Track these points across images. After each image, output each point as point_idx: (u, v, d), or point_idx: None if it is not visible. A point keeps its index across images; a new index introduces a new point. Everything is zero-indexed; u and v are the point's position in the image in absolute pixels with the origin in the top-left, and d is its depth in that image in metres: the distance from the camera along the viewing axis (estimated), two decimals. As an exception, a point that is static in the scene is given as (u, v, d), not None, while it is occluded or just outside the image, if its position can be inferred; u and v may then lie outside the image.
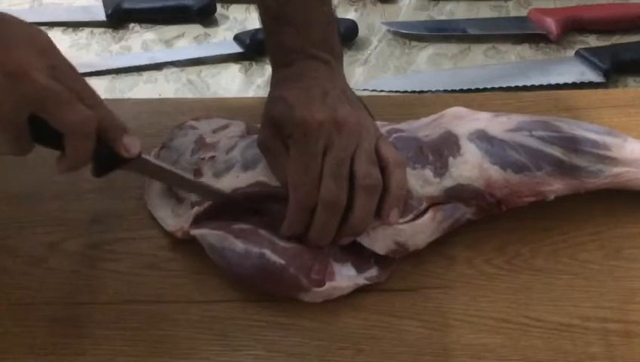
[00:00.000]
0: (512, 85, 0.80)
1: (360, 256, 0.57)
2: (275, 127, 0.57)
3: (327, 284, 0.55)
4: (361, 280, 0.56)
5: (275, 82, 0.60)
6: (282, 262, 0.55)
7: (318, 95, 0.56)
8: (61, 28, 0.92)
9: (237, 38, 0.87)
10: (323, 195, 0.54)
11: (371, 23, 0.90)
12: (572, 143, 0.58)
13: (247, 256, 0.56)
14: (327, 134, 0.54)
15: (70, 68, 0.49)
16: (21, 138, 0.48)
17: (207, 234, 0.57)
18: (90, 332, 0.56)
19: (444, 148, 0.59)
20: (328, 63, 0.59)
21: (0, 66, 0.45)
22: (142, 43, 0.90)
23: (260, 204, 0.58)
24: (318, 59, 0.59)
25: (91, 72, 0.84)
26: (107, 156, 0.51)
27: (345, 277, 0.56)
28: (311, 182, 0.54)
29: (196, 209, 0.59)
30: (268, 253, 0.55)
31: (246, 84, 0.83)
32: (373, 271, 0.57)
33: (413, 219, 0.57)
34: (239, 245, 0.56)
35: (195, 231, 0.58)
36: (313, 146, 0.54)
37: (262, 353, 0.54)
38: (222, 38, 0.90)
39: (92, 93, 0.50)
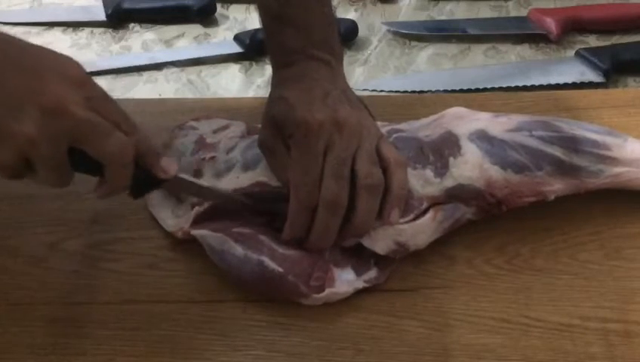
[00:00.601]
0: (512, 85, 0.80)
1: (360, 258, 0.57)
2: (275, 127, 0.57)
3: (327, 290, 0.55)
4: (360, 283, 0.56)
5: (276, 82, 0.60)
6: (281, 269, 0.55)
7: (319, 95, 0.56)
8: (61, 28, 0.92)
9: (237, 38, 0.87)
10: (324, 195, 0.54)
11: (371, 23, 0.90)
12: (572, 143, 0.58)
13: (246, 261, 0.56)
14: (327, 134, 0.54)
15: (105, 96, 0.49)
16: (61, 170, 0.48)
17: (207, 235, 0.57)
18: (90, 332, 0.56)
19: (445, 148, 0.59)
20: (329, 64, 0.59)
21: (38, 103, 0.45)
22: (142, 43, 0.90)
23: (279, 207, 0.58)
24: (319, 60, 0.59)
25: (91, 72, 0.84)
26: (144, 178, 0.52)
27: (345, 282, 0.56)
28: (312, 183, 0.54)
29: (196, 209, 0.59)
30: (267, 260, 0.55)
31: (246, 84, 0.83)
32: (372, 273, 0.57)
33: (414, 219, 0.57)
34: (239, 250, 0.56)
35: (196, 232, 0.58)
36: (314, 146, 0.54)
37: (262, 353, 0.54)
38: (222, 38, 0.90)
39: (127, 118, 0.50)
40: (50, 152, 0.46)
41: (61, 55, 0.48)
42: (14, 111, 0.44)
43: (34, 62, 0.47)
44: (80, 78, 0.47)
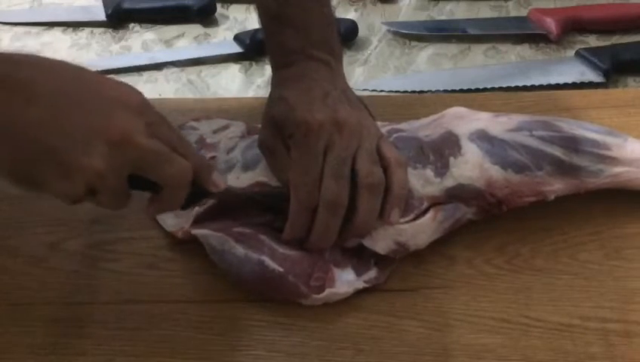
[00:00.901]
0: (512, 85, 0.80)
1: (360, 258, 0.57)
2: (275, 127, 0.57)
3: (327, 291, 0.55)
4: (360, 283, 0.56)
5: (276, 83, 0.60)
6: (281, 269, 0.55)
7: (319, 96, 0.56)
8: (61, 28, 0.92)
9: (237, 38, 0.87)
10: (324, 195, 0.54)
11: (371, 23, 0.90)
12: (572, 143, 0.58)
13: (246, 261, 0.56)
14: (327, 135, 0.54)
15: (163, 121, 0.50)
16: (121, 195, 0.49)
17: (207, 235, 0.57)
18: (90, 332, 0.56)
19: (445, 148, 0.59)
20: (328, 64, 0.59)
21: (105, 137, 0.45)
22: (142, 43, 0.90)
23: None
24: (319, 60, 0.59)
25: (91, 72, 0.85)
26: (195, 195, 0.53)
27: (345, 282, 0.56)
28: (312, 183, 0.54)
29: (196, 209, 0.59)
30: (267, 260, 0.55)
31: (246, 84, 0.83)
32: (372, 273, 0.57)
33: (414, 219, 0.57)
34: (239, 249, 0.56)
35: (196, 232, 0.58)
36: (314, 146, 0.54)
37: (262, 353, 0.54)
38: (222, 38, 0.90)
39: (184, 140, 0.51)
40: (116, 182, 0.47)
41: (121, 83, 0.49)
42: (82, 145, 0.45)
43: (97, 95, 0.47)
44: (140, 106, 0.48)
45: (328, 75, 0.59)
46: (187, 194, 0.51)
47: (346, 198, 0.54)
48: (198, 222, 0.59)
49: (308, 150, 0.54)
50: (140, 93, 0.49)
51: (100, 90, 0.47)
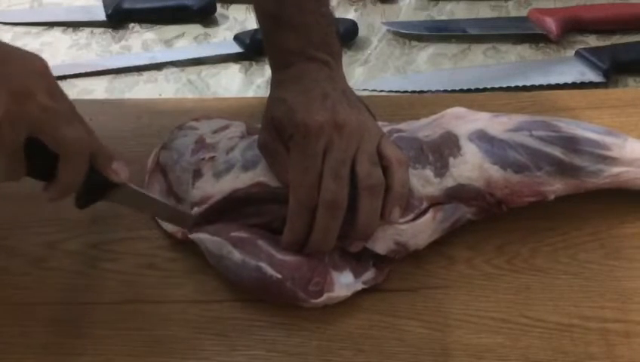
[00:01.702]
0: (512, 85, 0.80)
1: (359, 260, 0.57)
2: (275, 128, 0.57)
3: (325, 295, 0.55)
4: (358, 285, 0.56)
5: (275, 84, 0.60)
6: (279, 276, 0.55)
7: (318, 97, 0.56)
8: (61, 28, 0.92)
9: (237, 38, 0.87)
10: (323, 195, 0.54)
11: (371, 23, 0.90)
12: (572, 143, 0.58)
13: (244, 266, 0.55)
14: (327, 136, 0.54)
15: (62, 92, 0.50)
16: (16, 159, 0.48)
17: (205, 239, 0.57)
18: (90, 332, 0.56)
19: (445, 148, 0.59)
20: (328, 64, 0.59)
21: (6, 87, 0.45)
22: (142, 43, 0.90)
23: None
24: (318, 61, 0.59)
25: (91, 72, 0.84)
26: (93, 185, 0.52)
27: (344, 286, 0.56)
28: (310, 183, 0.54)
29: (196, 209, 0.59)
30: (265, 266, 0.55)
31: (246, 84, 0.83)
32: (370, 274, 0.57)
33: (414, 219, 0.57)
34: (237, 255, 0.56)
35: (194, 236, 0.58)
36: (313, 148, 0.54)
37: (262, 353, 0.54)
38: (222, 38, 0.90)
39: (82, 117, 0.51)
40: (11, 137, 0.46)
41: (26, 51, 0.50)
42: None
43: (2, 54, 0.48)
44: (44, 69, 0.49)
45: (328, 76, 0.59)
46: (84, 180, 0.50)
47: (345, 199, 0.54)
48: (197, 222, 0.59)
49: (307, 151, 0.54)
50: (43, 60, 0.49)
51: (8, 52, 0.49)
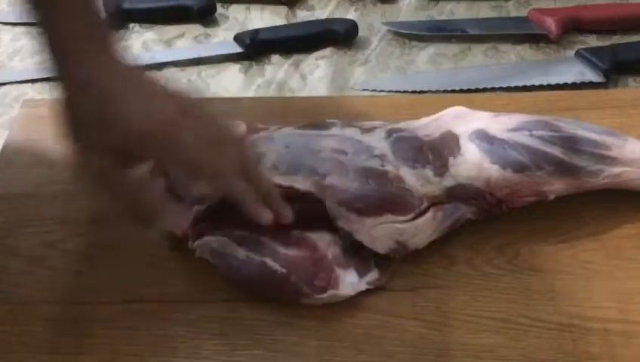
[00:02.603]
0: (512, 85, 0.80)
1: (360, 259, 0.57)
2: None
3: (329, 292, 0.55)
4: (362, 285, 0.56)
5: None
6: (284, 270, 0.55)
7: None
8: (61, 28, 0.92)
9: (237, 38, 0.87)
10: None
11: (371, 23, 0.90)
12: (572, 143, 0.58)
13: (248, 262, 0.56)
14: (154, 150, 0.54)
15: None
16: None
17: (209, 240, 0.57)
18: (90, 332, 0.56)
19: (445, 147, 0.59)
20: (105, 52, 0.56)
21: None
22: (142, 43, 0.90)
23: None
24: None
25: (91, 72, 0.84)
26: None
27: (348, 284, 0.56)
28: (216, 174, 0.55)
29: (196, 208, 0.59)
30: (269, 261, 0.55)
31: (246, 84, 0.83)
32: (374, 274, 0.57)
33: (414, 219, 0.57)
34: (241, 252, 0.56)
35: (197, 243, 0.57)
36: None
37: (262, 353, 0.54)
38: (222, 38, 0.90)
39: None
40: None
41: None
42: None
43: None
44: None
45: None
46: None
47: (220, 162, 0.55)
48: (197, 222, 0.59)
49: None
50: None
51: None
